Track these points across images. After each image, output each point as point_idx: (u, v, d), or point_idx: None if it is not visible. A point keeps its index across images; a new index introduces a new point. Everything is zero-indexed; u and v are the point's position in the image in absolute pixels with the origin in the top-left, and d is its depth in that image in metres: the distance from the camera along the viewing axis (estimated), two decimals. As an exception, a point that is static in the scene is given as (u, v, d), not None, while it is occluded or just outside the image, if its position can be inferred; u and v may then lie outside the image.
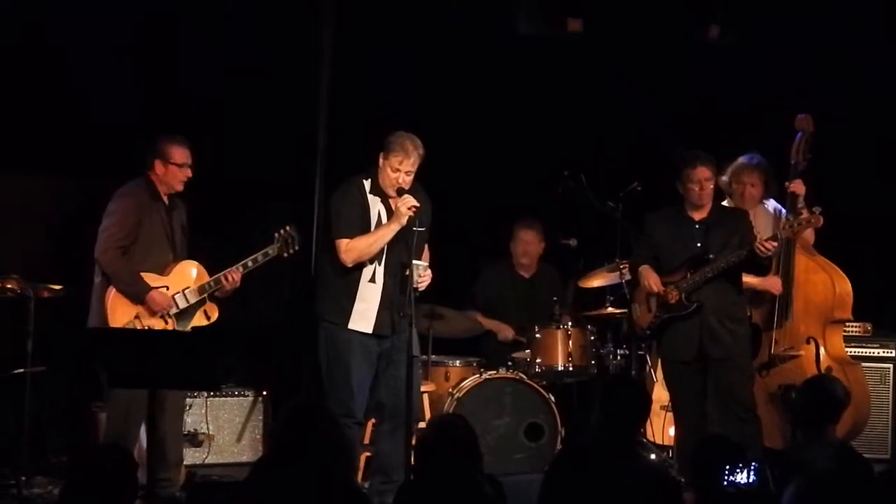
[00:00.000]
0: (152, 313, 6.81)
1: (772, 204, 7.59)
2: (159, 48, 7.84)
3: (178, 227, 7.03)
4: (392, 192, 6.72)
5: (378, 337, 6.74)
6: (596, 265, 8.10)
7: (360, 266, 6.72)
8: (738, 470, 4.81)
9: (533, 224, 8.52)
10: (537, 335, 7.88)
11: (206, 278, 6.94)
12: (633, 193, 7.72)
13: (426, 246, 6.89)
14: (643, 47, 8.55)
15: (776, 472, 5.09)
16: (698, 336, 6.95)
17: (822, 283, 7.46)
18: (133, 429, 6.75)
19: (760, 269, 7.07)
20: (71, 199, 7.77)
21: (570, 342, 7.82)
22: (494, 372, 7.81)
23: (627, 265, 7.48)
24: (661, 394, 7.48)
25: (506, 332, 8.36)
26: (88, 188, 7.52)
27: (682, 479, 6.71)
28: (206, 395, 7.74)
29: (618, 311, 7.88)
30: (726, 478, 4.82)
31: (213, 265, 6.98)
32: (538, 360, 7.85)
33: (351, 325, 6.71)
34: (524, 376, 7.79)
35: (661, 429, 7.70)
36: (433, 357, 7.92)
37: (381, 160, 6.73)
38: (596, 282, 8.11)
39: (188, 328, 6.88)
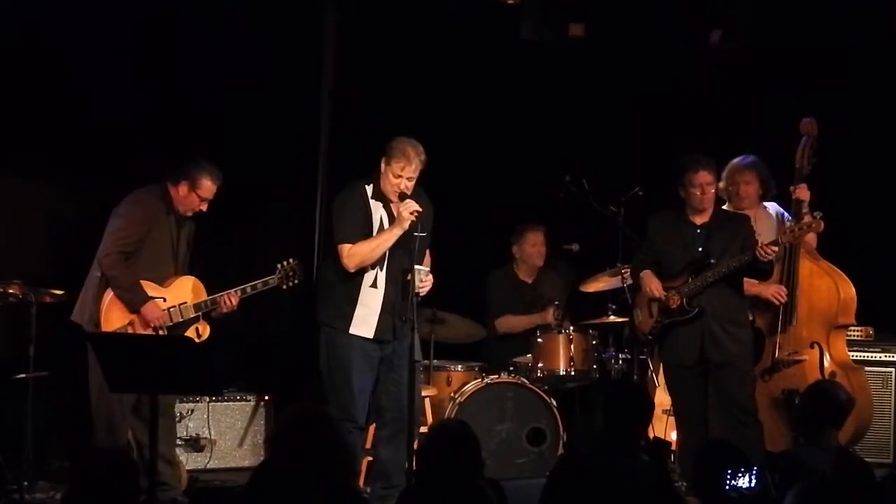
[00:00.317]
0: (145, 324, 6.81)
1: (773, 207, 7.58)
2: (159, 48, 7.84)
3: (184, 241, 7.04)
4: (394, 198, 6.72)
5: (379, 342, 6.74)
6: (598, 270, 8.09)
7: (361, 271, 6.72)
8: (739, 474, 4.81)
9: (538, 226, 8.52)
10: (539, 339, 7.88)
11: (204, 296, 6.95)
12: (635, 198, 7.71)
13: (427, 251, 6.88)
14: (645, 52, 8.55)
15: (777, 476, 5.09)
16: (700, 340, 6.95)
17: (827, 287, 7.44)
18: (121, 428, 6.75)
19: (762, 273, 7.07)
20: (72, 204, 7.78)
21: (572, 346, 7.81)
22: (496, 376, 7.81)
23: (629, 270, 7.47)
24: (662, 398, 7.47)
25: (547, 316, 8.25)
26: (90, 192, 7.53)
27: (684, 484, 6.73)
28: (207, 399, 7.74)
29: (619, 318, 7.88)
30: (728, 482, 4.82)
31: (213, 266, 6.99)
32: (540, 365, 7.85)
33: (352, 330, 6.71)
34: (526, 381, 7.79)
35: (664, 433, 7.69)
36: (435, 362, 7.92)
37: (382, 165, 6.73)
38: (597, 286, 8.10)
39: (177, 344, 6.89)
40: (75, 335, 6.89)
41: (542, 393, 7.74)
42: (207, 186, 6.95)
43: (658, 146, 8.25)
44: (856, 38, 8.35)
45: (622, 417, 5.22)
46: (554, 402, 7.73)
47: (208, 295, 6.95)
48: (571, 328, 7.88)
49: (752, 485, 4.80)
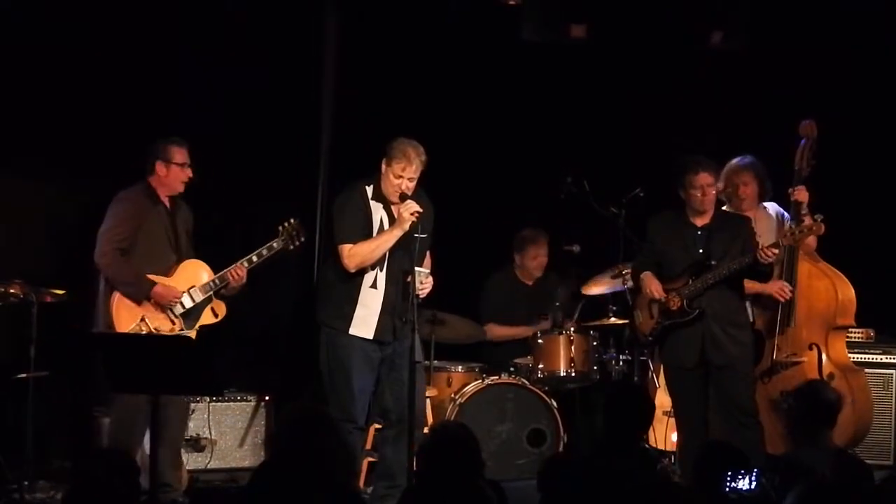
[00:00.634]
0: (160, 309, 6.80)
1: (773, 207, 7.58)
2: (160, 48, 7.84)
3: (182, 229, 7.03)
4: (395, 199, 6.72)
5: (379, 343, 6.74)
6: (598, 271, 8.10)
7: (361, 272, 6.72)
8: (740, 476, 4.82)
9: (540, 235, 8.51)
10: (539, 341, 7.89)
11: (212, 276, 6.94)
12: (636, 199, 7.71)
13: (428, 253, 6.88)
14: (646, 53, 8.55)
15: (776, 478, 5.09)
16: (700, 342, 6.95)
17: (825, 289, 7.44)
18: (138, 435, 6.75)
19: (762, 275, 7.06)
20: (72, 204, 7.77)
21: (573, 348, 7.82)
22: (497, 377, 7.82)
23: (629, 271, 7.48)
24: (663, 399, 7.47)
25: (535, 330, 8.23)
26: (90, 192, 7.52)
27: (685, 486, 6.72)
28: (208, 400, 7.73)
29: (620, 320, 7.88)
30: (728, 484, 4.82)
31: (214, 266, 6.98)
32: (540, 366, 7.86)
33: (352, 331, 6.72)
34: (526, 382, 7.80)
35: (664, 435, 7.70)
36: (435, 363, 7.92)
37: (383, 166, 6.74)
38: (598, 288, 8.10)
39: (195, 328, 6.89)
40: (76, 336, 6.89)
41: (542, 394, 7.74)
42: (178, 152, 6.96)
43: (659, 147, 8.25)
44: (856, 39, 8.35)
45: (622, 419, 5.23)
46: (554, 404, 7.73)
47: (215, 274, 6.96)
48: (572, 329, 7.88)
49: (753, 487, 4.80)
